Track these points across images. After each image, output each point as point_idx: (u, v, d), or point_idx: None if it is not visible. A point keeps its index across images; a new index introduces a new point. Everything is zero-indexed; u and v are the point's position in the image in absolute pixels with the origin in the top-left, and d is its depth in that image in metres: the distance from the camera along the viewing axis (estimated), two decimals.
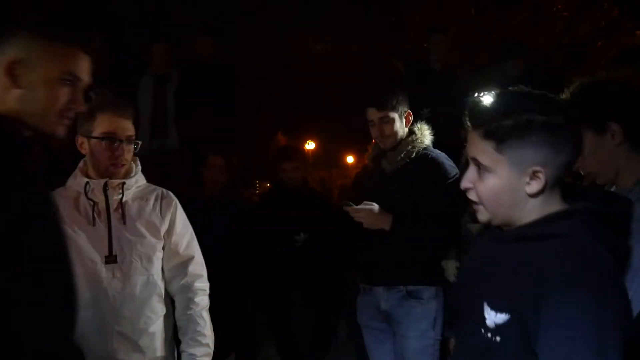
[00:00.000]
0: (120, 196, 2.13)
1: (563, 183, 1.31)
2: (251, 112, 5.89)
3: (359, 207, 2.62)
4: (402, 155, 2.75)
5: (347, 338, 3.89)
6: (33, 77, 1.36)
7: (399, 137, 2.77)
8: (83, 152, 2.13)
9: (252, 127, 6.27)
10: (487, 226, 1.40)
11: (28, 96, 1.36)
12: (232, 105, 4.72)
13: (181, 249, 2.23)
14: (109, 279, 2.05)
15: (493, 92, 1.32)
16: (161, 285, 2.18)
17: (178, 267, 2.23)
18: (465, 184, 1.34)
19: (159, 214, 2.19)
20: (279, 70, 7.08)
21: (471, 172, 1.32)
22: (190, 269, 2.25)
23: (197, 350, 2.21)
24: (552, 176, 1.25)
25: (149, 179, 2.27)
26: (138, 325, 2.08)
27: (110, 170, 2.10)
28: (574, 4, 5.93)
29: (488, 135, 1.25)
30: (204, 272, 2.31)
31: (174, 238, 2.22)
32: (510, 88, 1.32)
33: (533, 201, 1.27)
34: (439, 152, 2.80)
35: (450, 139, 3.16)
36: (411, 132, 2.81)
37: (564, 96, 1.66)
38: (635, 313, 1.28)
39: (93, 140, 2.08)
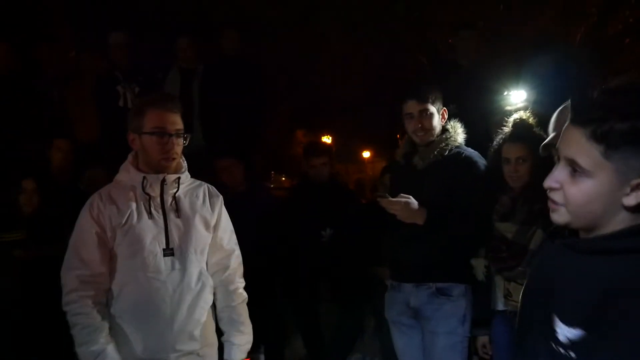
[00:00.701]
0: (174, 190, 2.19)
1: None
2: (273, 107, 5.93)
3: (395, 199, 2.60)
4: (435, 152, 2.75)
5: (373, 333, 3.93)
6: None
7: (435, 132, 2.77)
8: (135, 148, 2.19)
9: (273, 122, 6.31)
10: (554, 231, 1.31)
11: None
12: (254, 101, 4.75)
13: (225, 243, 2.32)
14: (168, 271, 2.12)
15: (607, 86, 1.16)
16: (210, 277, 2.25)
17: (221, 260, 2.32)
18: (551, 183, 1.21)
19: (209, 209, 2.27)
20: (301, 65, 7.10)
21: (561, 172, 1.19)
22: (232, 262, 2.34)
23: (240, 340, 2.31)
24: None
25: None
26: (194, 315, 2.15)
27: (162, 164, 2.16)
28: (602, 1, 5.86)
29: (597, 137, 1.11)
30: (242, 267, 2.39)
31: (219, 233, 2.30)
32: (621, 84, 1.16)
33: (625, 213, 1.15)
34: (472, 150, 2.79)
35: (477, 135, 3.15)
36: (444, 130, 2.80)
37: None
38: None
39: (144, 136, 2.14)
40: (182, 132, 2.18)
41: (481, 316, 2.75)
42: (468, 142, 2.85)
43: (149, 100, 2.19)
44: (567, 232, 1.26)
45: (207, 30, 5.17)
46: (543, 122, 1.64)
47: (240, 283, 2.37)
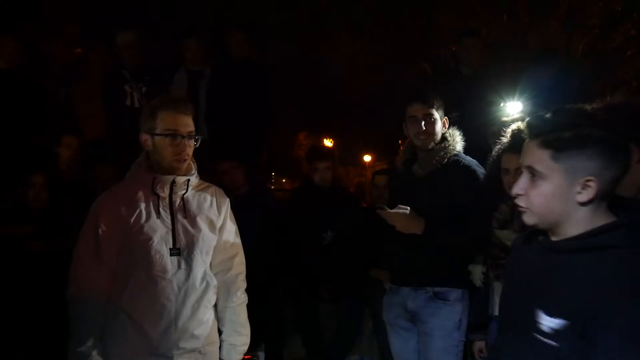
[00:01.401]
0: (183, 192, 2.23)
1: (611, 196, 1.39)
2: (278, 109, 5.97)
3: (392, 210, 2.65)
4: (434, 160, 2.78)
5: (371, 334, 3.97)
6: None
7: (437, 139, 2.80)
8: (146, 148, 2.22)
9: (277, 124, 6.34)
10: (528, 236, 1.47)
11: None
12: (261, 103, 4.79)
13: (229, 245, 2.36)
14: (174, 270, 2.15)
15: (557, 108, 1.40)
16: (213, 277, 2.30)
17: (225, 261, 2.35)
18: (517, 190, 1.43)
19: (216, 211, 2.31)
20: (306, 69, 7.14)
21: (524, 180, 1.42)
22: (235, 264, 2.38)
23: (238, 340, 2.37)
24: (601, 188, 1.34)
25: None
26: (198, 314, 2.19)
27: (174, 166, 2.19)
28: (606, 13, 5.91)
29: (546, 144, 1.36)
30: (245, 269, 2.43)
31: (224, 234, 2.34)
32: (569, 105, 1.40)
33: (582, 211, 1.36)
34: (471, 158, 2.83)
35: (477, 143, 3.20)
36: (443, 138, 2.83)
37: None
38: None
39: (157, 137, 2.17)
40: (194, 133, 2.22)
41: (478, 321, 2.81)
42: (468, 150, 2.89)
43: (162, 102, 2.22)
44: (541, 235, 1.43)
45: (214, 32, 5.20)
46: None
47: (242, 284, 2.41)
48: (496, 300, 2.71)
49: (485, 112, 4.15)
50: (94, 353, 2.08)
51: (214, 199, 2.33)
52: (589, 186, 1.33)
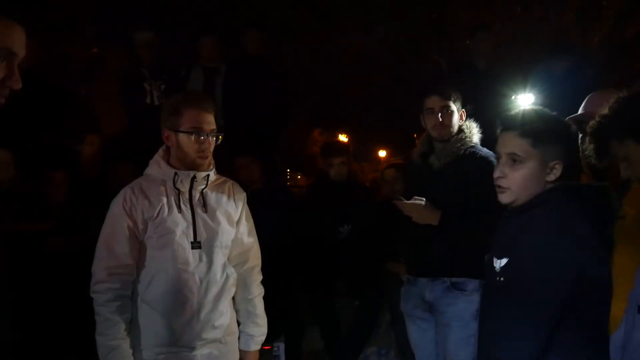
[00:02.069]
0: (203, 187, 2.27)
1: (573, 175, 1.79)
2: (293, 106, 6.00)
3: (409, 202, 2.68)
4: (451, 152, 2.81)
5: (388, 327, 4.00)
6: None
7: (454, 131, 2.83)
8: (169, 144, 2.25)
9: (291, 121, 6.37)
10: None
11: None
12: (276, 100, 4.83)
13: (245, 238, 2.38)
14: (196, 264, 2.19)
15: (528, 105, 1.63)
16: (233, 269, 2.34)
17: (241, 254, 2.39)
18: (498, 173, 1.77)
19: (234, 205, 2.34)
20: (320, 65, 7.17)
21: (504, 165, 1.77)
22: (251, 257, 2.41)
23: (255, 331, 2.41)
24: (564, 170, 1.73)
25: None
26: (219, 306, 2.24)
27: (197, 162, 2.23)
28: (620, 4, 5.87)
29: (527, 133, 1.72)
30: (260, 262, 2.46)
31: (241, 227, 2.37)
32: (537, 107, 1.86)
33: (547, 187, 1.73)
34: (488, 150, 2.83)
35: (492, 136, 3.21)
36: (460, 130, 2.86)
37: (604, 111, 1.78)
38: None
39: (181, 134, 2.20)
40: (216, 131, 2.25)
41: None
42: (483, 143, 2.90)
43: (186, 99, 2.25)
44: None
45: (230, 30, 5.24)
46: None
47: (258, 277, 2.44)
48: None
49: (499, 106, 4.16)
50: (124, 345, 2.12)
51: (232, 193, 2.36)
52: (555, 168, 1.71)
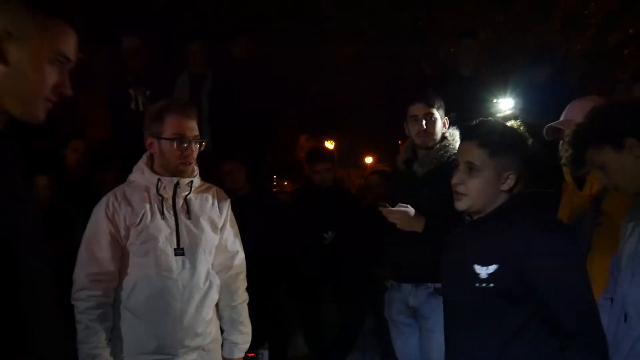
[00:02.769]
0: (186, 193, 2.26)
1: (531, 185, 1.83)
2: (281, 112, 6.00)
3: (394, 208, 2.70)
4: (435, 159, 2.84)
5: (373, 332, 4.02)
6: (22, 53, 1.19)
7: (437, 138, 2.86)
8: (152, 151, 2.25)
9: (278, 127, 6.37)
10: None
11: (14, 75, 1.19)
12: (263, 106, 4.83)
13: (229, 244, 2.38)
14: (179, 270, 2.18)
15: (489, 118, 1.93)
16: (216, 276, 2.33)
17: (225, 261, 2.38)
18: (456, 180, 1.83)
19: (218, 211, 2.34)
20: (307, 71, 7.18)
21: (461, 173, 1.82)
22: (235, 263, 2.40)
23: (239, 339, 2.40)
24: (519, 180, 1.79)
25: None
26: (202, 313, 2.23)
27: (180, 169, 2.23)
28: (604, 12, 5.95)
29: (484, 144, 1.78)
30: (245, 269, 2.45)
31: (225, 234, 2.37)
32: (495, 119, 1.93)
33: (502, 196, 1.79)
34: None
35: None
36: (443, 138, 2.89)
37: (581, 120, 1.90)
38: None
39: (163, 141, 2.20)
40: (199, 137, 2.25)
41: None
42: None
43: (168, 106, 2.24)
44: (467, 217, 1.91)
45: (217, 36, 5.23)
46: (531, 131, 1.89)
47: (243, 284, 2.43)
48: None
49: (483, 112, 4.21)
50: (105, 353, 2.11)
51: (215, 199, 2.35)
52: (509, 178, 1.77)
